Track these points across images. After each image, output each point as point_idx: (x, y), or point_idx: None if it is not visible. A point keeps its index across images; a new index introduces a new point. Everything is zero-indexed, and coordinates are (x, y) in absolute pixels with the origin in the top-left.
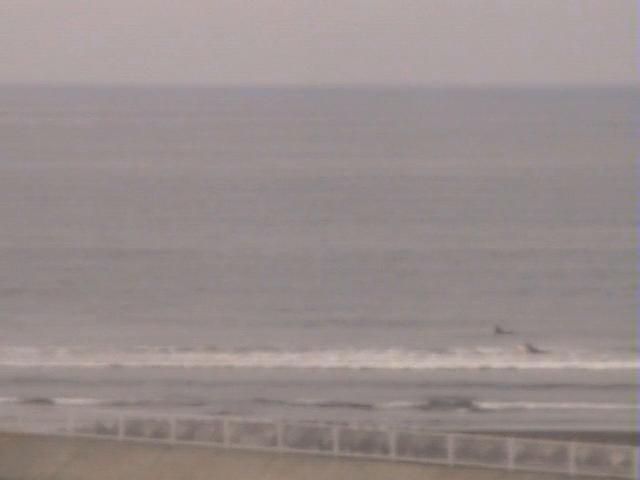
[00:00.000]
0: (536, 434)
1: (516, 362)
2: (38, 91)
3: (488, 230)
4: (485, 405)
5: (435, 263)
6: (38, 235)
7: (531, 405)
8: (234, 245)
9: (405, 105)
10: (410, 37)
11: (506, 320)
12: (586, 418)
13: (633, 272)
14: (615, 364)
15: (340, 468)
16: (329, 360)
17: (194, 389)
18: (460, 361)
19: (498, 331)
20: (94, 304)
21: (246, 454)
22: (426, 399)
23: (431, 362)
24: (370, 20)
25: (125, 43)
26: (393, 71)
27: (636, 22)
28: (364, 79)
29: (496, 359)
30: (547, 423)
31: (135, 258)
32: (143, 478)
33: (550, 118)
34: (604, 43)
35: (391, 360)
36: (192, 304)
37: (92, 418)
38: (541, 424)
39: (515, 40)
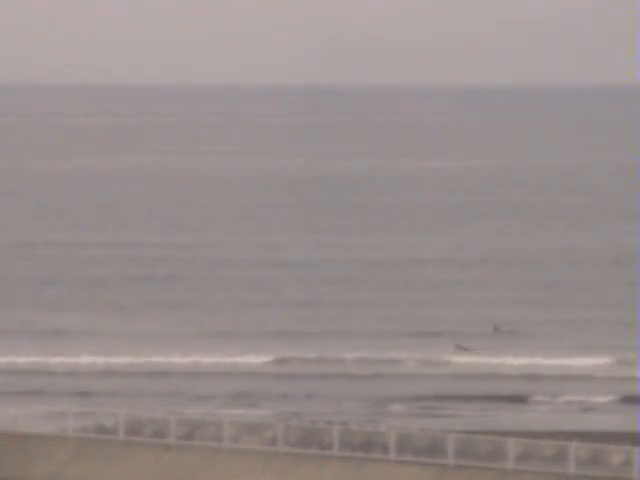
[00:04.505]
0: (536, 434)
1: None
2: (38, 91)
3: (489, 233)
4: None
5: (435, 267)
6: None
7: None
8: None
9: (405, 105)
10: (410, 37)
11: (505, 319)
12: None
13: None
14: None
15: (340, 468)
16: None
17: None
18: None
19: (496, 330)
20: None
21: (246, 454)
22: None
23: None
24: (370, 20)
25: (125, 43)
26: (393, 71)
27: (636, 22)
28: (364, 79)
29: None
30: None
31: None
32: (143, 478)
33: (550, 118)
34: (604, 43)
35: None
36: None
37: (92, 418)
38: (540, 424)
39: (515, 40)
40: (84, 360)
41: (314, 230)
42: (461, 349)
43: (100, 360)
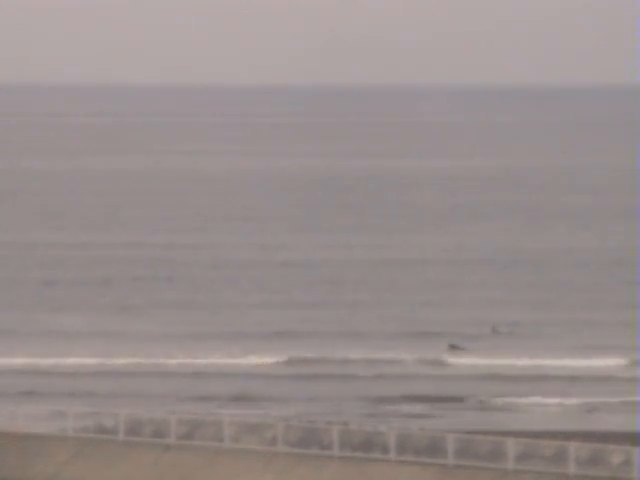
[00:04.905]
0: (536, 434)
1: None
2: (38, 91)
3: (489, 233)
4: None
5: (435, 268)
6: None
7: None
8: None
9: (405, 105)
10: (410, 37)
11: (505, 320)
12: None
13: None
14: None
15: (340, 468)
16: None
17: None
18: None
19: (495, 331)
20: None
21: (246, 454)
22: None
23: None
24: (370, 20)
25: (125, 43)
26: (393, 71)
27: (636, 22)
28: (364, 79)
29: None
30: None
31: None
32: (143, 478)
33: (549, 118)
34: (604, 43)
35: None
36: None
37: (92, 418)
38: (541, 424)
39: (515, 40)
40: (91, 361)
41: (315, 231)
42: (455, 348)
43: (105, 361)
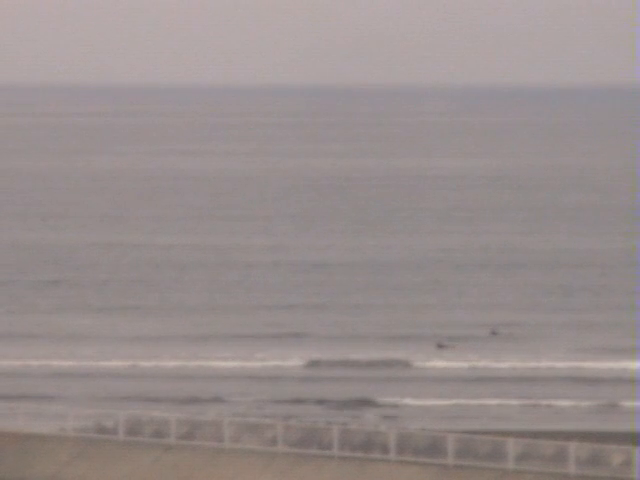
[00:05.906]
0: (536, 434)
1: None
2: (38, 91)
3: (490, 234)
4: None
5: (435, 269)
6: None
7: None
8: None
9: (407, 105)
10: (411, 37)
11: (504, 323)
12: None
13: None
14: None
15: (340, 468)
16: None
17: None
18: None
19: (494, 333)
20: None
21: (246, 454)
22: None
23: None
24: (372, 20)
25: (125, 43)
26: (394, 71)
27: (636, 22)
28: (366, 79)
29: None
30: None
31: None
32: (143, 478)
33: (549, 118)
34: (604, 43)
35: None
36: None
37: (92, 418)
38: (540, 424)
39: (515, 40)
40: (113, 363)
41: (315, 231)
42: (443, 347)
43: (130, 364)
